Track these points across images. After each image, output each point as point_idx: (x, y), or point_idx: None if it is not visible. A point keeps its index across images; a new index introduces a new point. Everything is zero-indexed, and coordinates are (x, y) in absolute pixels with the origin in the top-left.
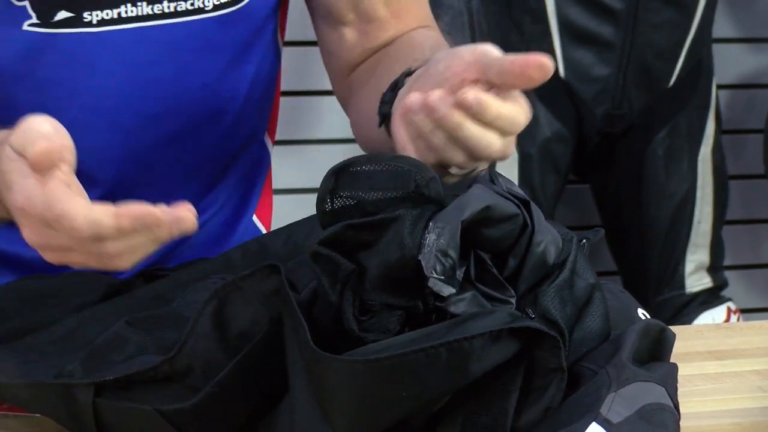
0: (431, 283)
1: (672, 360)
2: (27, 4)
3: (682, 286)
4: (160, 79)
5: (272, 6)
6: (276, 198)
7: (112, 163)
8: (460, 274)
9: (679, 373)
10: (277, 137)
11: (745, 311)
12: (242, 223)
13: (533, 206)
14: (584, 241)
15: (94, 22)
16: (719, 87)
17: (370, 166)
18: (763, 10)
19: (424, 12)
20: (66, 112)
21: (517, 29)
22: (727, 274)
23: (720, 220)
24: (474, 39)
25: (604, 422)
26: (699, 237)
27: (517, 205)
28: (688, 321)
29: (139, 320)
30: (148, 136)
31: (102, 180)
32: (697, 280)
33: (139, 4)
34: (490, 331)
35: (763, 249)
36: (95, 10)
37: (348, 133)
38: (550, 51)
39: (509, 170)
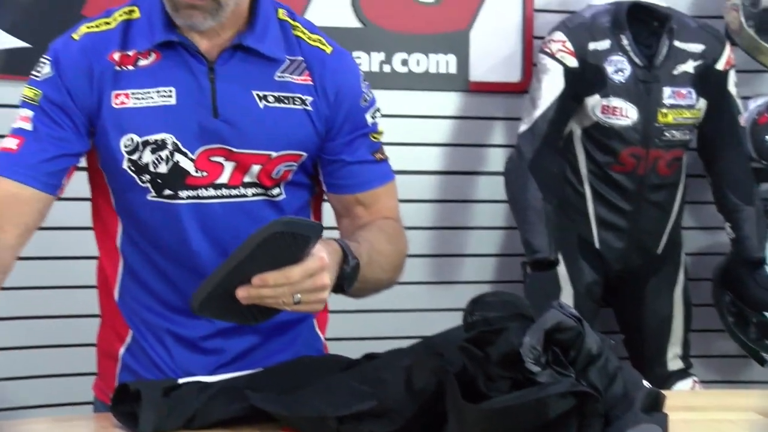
0: (527, 364)
1: (664, 411)
2: (149, 185)
3: (665, 365)
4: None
5: (303, 203)
6: None
7: None
8: (543, 359)
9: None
10: None
11: (703, 382)
12: (303, 325)
13: (584, 322)
14: (612, 342)
15: (184, 197)
16: (687, 254)
17: (493, 298)
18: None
19: (390, 206)
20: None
21: (571, 221)
22: (692, 360)
23: (687, 330)
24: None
25: None
26: (675, 338)
27: (575, 321)
28: (668, 387)
29: (361, 379)
30: None
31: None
32: (674, 363)
33: (209, 188)
34: (561, 392)
35: (713, 346)
36: (184, 190)
37: None
38: (590, 232)
39: (569, 301)
